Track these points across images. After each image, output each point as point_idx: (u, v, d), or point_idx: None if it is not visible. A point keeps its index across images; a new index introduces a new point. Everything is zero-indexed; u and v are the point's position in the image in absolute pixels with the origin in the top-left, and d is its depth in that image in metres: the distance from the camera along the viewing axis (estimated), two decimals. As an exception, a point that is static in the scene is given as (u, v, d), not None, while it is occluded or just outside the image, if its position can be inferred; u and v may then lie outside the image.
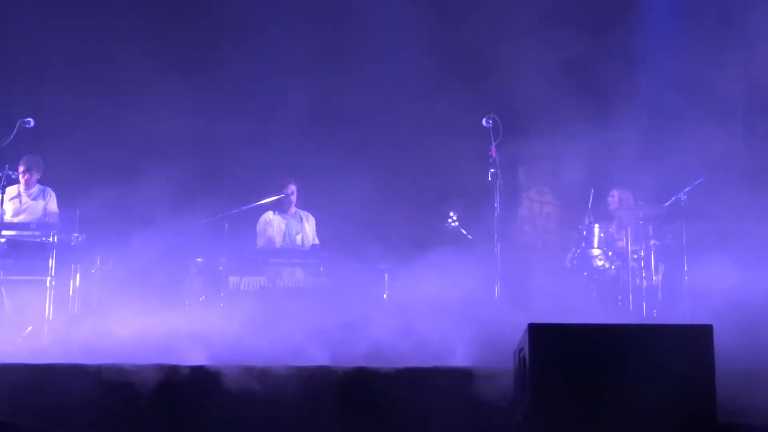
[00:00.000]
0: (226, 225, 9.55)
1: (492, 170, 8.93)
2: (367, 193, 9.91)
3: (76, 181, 10.02)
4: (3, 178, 9.12)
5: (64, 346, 7.47)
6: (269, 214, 10.32)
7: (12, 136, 9.17)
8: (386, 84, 10.68)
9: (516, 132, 9.40)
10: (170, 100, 10.13)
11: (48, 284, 8.82)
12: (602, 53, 10.65)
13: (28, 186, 9.94)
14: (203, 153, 10.30)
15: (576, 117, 9.85)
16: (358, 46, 11.13)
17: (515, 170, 9.39)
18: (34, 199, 9.98)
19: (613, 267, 9.76)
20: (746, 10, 10.04)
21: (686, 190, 9.52)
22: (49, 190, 10.06)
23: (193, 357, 6.85)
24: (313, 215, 10.50)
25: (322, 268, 9.76)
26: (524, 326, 5.35)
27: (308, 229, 10.37)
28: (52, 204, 9.99)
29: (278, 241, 10.25)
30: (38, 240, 9.04)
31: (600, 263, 9.78)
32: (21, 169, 9.87)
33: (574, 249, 9.89)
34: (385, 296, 9.36)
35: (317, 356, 6.92)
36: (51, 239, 8.98)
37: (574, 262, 9.86)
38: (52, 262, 8.88)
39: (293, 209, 10.41)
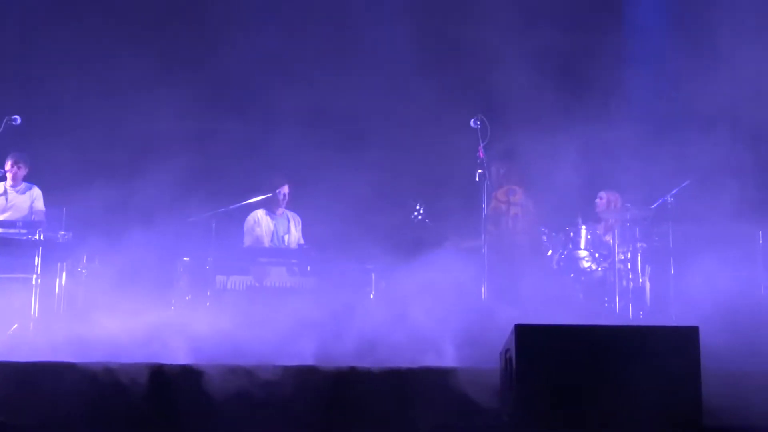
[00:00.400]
0: (214, 224, 9.55)
1: (480, 171, 8.95)
2: (355, 193, 9.90)
3: (63, 179, 10.00)
4: (-11, 175, 9.13)
5: (50, 343, 7.44)
6: (258, 213, 10.30)
7: (-2, 134, 9.17)
8: (376, 84, 10.67)
9: (499, 130, 9.40)
10: (160, 99, 10.10)
11: (34, 282, 8.80)
12: (589, 52, 10.66)
13: (15, 182, 9.91)
14: (192, 152, 10.27)
15: (558, 116, 9.85)
16: (350, 47, 11.12)
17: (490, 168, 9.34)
18: (21, 194, 9.95)
19: (599, 268, 9.78)
20: (734, 8, 10.05)
21: (673, 192, 9.55)
22: (35, 188, 10.03)
23: (179, 356, 6.84)
24: (300, 215, 10.49)
25: (309, 268, 9.77)
26: (511, 326, 5.35)
27: (294, 230, 10.36)
28: (39, 202, 9.97)
29: (266, 240, 10.23)
30: (24, 238, 9.01)
31: (587, 265, 9.80)
32: (8, 164, 9.85)
33: (561, 250, 9.89)
34: (372, 296, 9.36)
35: (303, 356, 6.91)
36: (37, 237, 8.96)
37: (561, 264, 9.86)
38: (38, 260, 8.87)
39: (282, 209, 10.40)
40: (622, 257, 9.66)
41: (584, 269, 9.79)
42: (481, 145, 8.96)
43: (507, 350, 5.51)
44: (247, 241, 10.24)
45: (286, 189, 10.32)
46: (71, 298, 9.14)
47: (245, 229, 10.28)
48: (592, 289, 9.72)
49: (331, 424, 6.07)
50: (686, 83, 10.09)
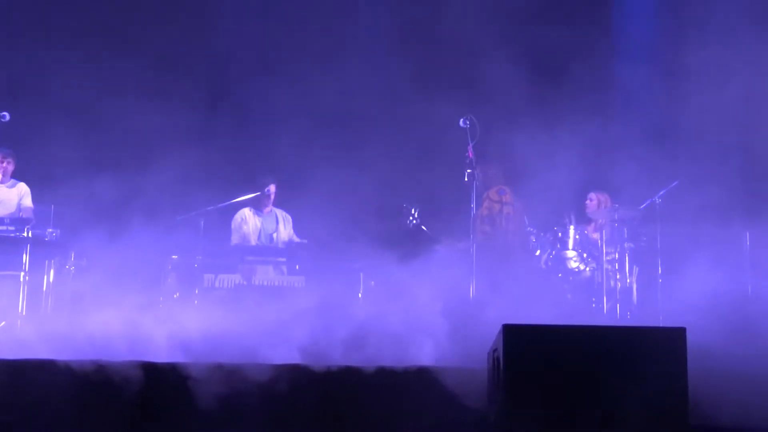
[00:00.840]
0: (202, 222, 9.54)
1: (469, 171, 8.96)
2: (344, 192, 9.90)
3: (51, 176, 9.97)
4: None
5: (37, 341, 7.42)
6: (245, 212, 10.30)
7: (-14, 130, 9.14)
8: (369, 84, 10.66)
9: (486, 130, 9.41)
10: (149, 98, 10.08)
11: (21, 279, 8.78)
12: (578, 51, 10.67)
13: (3, 178, 9.87)
14: (182, 150, 10.25)
15: (546, 116, 9.86)
16: (343, 46, 11.11)
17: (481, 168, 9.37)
18: (9, 189, 9.92)
19: (587, 269, 9.79)
20: (724, 6, 10.07)
21: (661, 193, 9.56)
22: (22, 184, 10.00)
23: (167, 354, 6.83)
24: (291, 214, 10.48)
25: (297, 266, 9.78)
26: (499, 326, 5.36)
27: (283, 229, 10.36)
28: (27, 199, 9.94)
29: (253, 239, 10.23)
30: (12, 235, 8.98)
31: (575, 265, 9.81)
32: (-3, 159, 9.83)
33: (549, 250, 9.91)
34: (360, 295, 9.36)
35: (291, 355, 6.91)
36: (25, 234, 8.94)
37: (549, 264, 9.87)
38: (25, 257, 8.85)
39: (269, 208, 10.40)
40: (610, 257, 9.68)
41: (572, 269, 9.80)
42: (470, 144, 8.97)
43: (495, 350, 5.53)
44: (235, 239, 10.24)
45: (273, 188, 10.32)
46: (59, 295, 9.12)
47: (232, 227, 10.29)
48: (580, 290, 9.73)
49: (319, 423, 6.08)
50: (676, 83, 10.11)
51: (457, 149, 9.08)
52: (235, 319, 7.86)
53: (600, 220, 10.14)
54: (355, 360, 6.60)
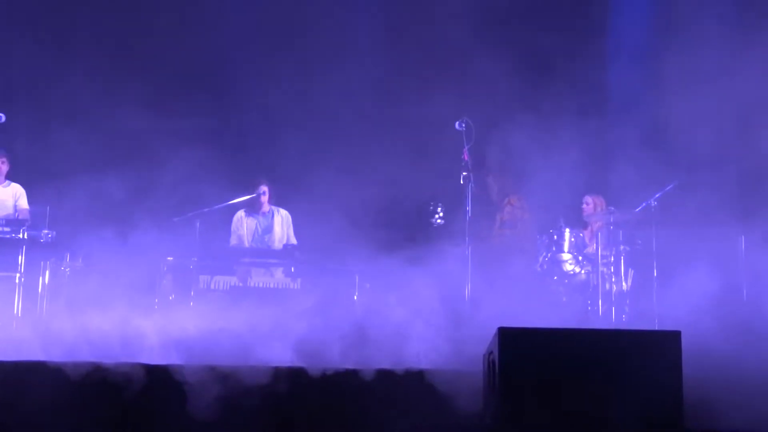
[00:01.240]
0: (198, 224, 9.54)
1: (464, 173, 8.96)
2: (340, 194, 9.90)
3: (47, 178, 9.96)
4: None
5: (32, 342, 7.41)
6: (239, 214, 10.38)
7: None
8: (364, 84, 10.67)
9: (487, 137, 9.42)
10: (145, 98, 10.08)
11: (17, 281, 8.78)
12: (574, 54, 10.68)
13: (-1, 178, 9.90)
14: (179, 151, 10.25)
15: (541, 119, 9.86)
16: (341, 47, 11.11)
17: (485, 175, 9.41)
18: (3, 188, 9.91)
19: (583, 272, 9.80)
20: (720, 8, 10.08)
21: (656, 195, 9.56)
22: (19, 186, 9.99)
23: (162, 355, 6.83)
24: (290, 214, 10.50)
25: (293, 269, 9.77)
26: (494, 329, 5.37)
27: (279, 229, 10.36)
28: (23, 200, 9.94)
29: (247, 240, 10.26)
30: (8, 236, 8.98)
31: (570, 268, 9.81)
32: (-7, 160, 9.83)
33: (544, 253, 9.91)
34: (355, 298, 9.36)
35: (287, 357, 6.90)
36: (21, 236, 8.94)
37: (545, 266, 9.88)
38: (21, 259, 8.86)
39: (266, 207, 10.41)
40: (606, 260, 9.69)
41: (567, 272, 9.80)
42: (466, 147, 8.97)
43: (490, 353, 5.53)
44: (233, 239, 10.35)
45: (265, 189, 10.33)
46: (54, 296, 9.12)
47: (232, 228, 10.39)
48: (576, 292, 9.74)
49: (314, 425, 6.08)
50: (671, 86, 10.11)
51: (455, 150, 9.08)
52: (231, 320, 7.85)
53: (596, 223, 10.14)
54: (350, 363, 6.60)
